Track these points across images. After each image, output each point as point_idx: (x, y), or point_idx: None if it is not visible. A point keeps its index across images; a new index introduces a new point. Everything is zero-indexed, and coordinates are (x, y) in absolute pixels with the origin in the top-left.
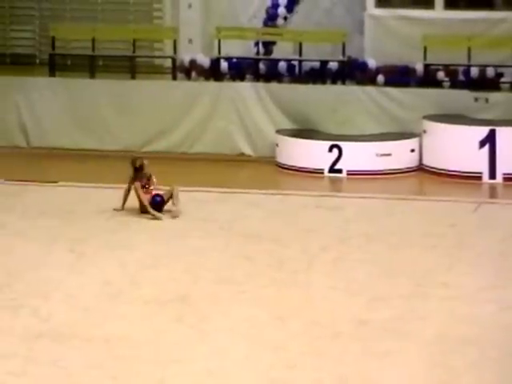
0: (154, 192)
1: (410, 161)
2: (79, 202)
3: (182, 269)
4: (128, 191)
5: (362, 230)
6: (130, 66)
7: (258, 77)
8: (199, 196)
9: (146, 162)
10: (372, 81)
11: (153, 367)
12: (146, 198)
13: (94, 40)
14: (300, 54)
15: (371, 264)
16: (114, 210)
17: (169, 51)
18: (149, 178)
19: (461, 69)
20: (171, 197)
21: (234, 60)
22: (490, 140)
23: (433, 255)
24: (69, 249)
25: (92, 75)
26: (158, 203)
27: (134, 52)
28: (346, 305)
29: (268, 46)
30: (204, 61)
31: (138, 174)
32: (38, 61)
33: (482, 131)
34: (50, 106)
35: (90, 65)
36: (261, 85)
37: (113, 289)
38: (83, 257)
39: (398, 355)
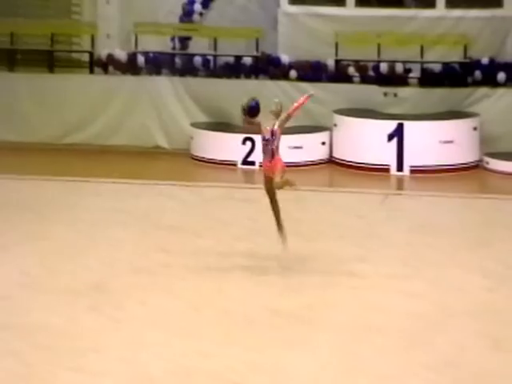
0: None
1: (321, 153)
2: None
3: (98, 259)
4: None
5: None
6: (48, 60)
7: (174, 71)
8: (115, 187)
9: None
10: (285, 76)
11: (68, 355)
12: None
13: (12, 34)
14: (215, 49)
15: (282, 254)
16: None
17: (87, 46)
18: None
19: (371, 64)
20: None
21: (151, 54)
22: (398, 133)
23: (342, 246)
24: None
25: (11, 69)
26: (253, 108)
27: (52, 46)
28: (258, 294)
29: (184, 41)
30: (121, 55)
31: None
32: None
33: (391, 125)
34: None
35: (9, 58)
36: (177, 79)
37: (30, 278)
38: (1, 248)
39: (309, 343)
